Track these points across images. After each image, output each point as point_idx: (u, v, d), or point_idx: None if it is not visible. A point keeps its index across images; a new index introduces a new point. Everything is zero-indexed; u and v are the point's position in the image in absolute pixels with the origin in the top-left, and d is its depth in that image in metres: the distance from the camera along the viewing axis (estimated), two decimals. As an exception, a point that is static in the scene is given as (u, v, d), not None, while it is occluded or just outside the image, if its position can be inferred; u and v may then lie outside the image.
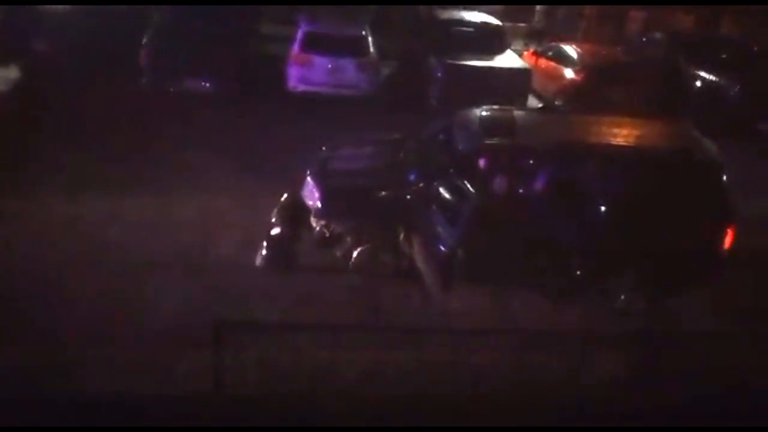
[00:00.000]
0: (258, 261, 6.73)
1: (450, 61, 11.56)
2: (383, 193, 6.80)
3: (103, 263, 6.56)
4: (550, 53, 13.41)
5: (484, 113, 7.20)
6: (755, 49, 14.32)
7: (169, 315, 5.89)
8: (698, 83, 12.85)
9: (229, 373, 4.81)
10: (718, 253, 6.35)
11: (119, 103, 10.45)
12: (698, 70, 12.89)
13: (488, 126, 6.93)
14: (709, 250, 6.38)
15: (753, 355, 5.52)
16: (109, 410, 4.88)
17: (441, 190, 6.23)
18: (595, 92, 11.58)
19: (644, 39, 15.34)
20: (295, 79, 11.47)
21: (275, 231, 6.81)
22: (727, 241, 6.29)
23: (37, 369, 5.13)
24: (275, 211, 7.06)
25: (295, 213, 7.05)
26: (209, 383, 4.78)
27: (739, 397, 5.29)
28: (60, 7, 11.93)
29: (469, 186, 5.99)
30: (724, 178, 6.32)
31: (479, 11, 14.27)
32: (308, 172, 7.26)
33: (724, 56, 13.48)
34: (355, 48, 11.51)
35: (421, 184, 6.50)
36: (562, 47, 13.25)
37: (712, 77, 12.69)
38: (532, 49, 14.71)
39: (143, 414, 4.86)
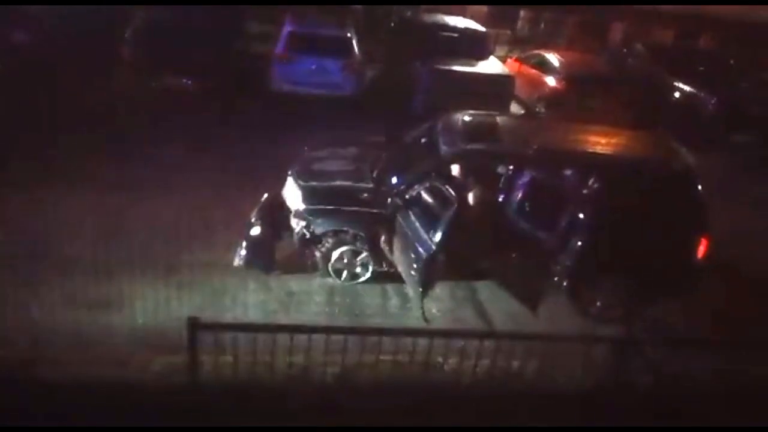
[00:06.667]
0: (236, 261, 6.68)
1: (434, 66, 11.61)
2: (365, 195, 6.81)
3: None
4: (532, 61, 13.55)
5: (466, 118, 7.25)
6: (732, 62, 14.66)
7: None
8: (676, 94, 13.10)
9: (204, 373, 4.78)
10: (692, 262, 6.46)
11: (98, 98, 10.31)
12: (677, 82, 13.14)
13: (470, 131, 6.98)
14: (684, 259, 6.48)
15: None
16: (86, 406, 4.82)
17: (423, 193, 6.25)
18: (576, 100, 11.75)
19: (625, 50, 15.62)
20: (278, 78, 11.43)
21: (255, 231, 6.76)
22: (702, 252, 6.40)
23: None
24: (255, 210, 7.02)
25: (276, 213, 7.01)
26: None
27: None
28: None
29: (450, 190, 6.02)
30: (700, 188, 6.43)
31: (464, 17, 14.37)
32: (290, 173, 7.24)
33: (702, 68, 13.75)
34: (340, 49, 11.50)
35: (403, 187, 6.51)
36: (544, 55, 13.40)
37: (690, 89, 12.93)
38: (515, 56, 14.85)
39: (119, 411, 4.81)
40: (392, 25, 15.16)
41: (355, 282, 6.86)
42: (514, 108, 12.57)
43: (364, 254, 6.75)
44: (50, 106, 9.85)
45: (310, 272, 6.89)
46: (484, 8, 18.16)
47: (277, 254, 6.79)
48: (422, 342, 5.02)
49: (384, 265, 6.80)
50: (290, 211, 6.92)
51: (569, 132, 7.47)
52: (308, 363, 4.98)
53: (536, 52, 14.02)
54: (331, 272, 6.80)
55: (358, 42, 11.89)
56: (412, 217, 6.24)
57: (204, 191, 8.06)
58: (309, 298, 6.63)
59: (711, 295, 6.80)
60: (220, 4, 12.16)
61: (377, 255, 6.76)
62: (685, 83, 13.03)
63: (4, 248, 6.50)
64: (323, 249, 6.74)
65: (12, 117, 9.24)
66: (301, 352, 4.90)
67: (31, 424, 4.66)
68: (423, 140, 7.20)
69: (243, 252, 6.65)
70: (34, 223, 6.99)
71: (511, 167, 6.68)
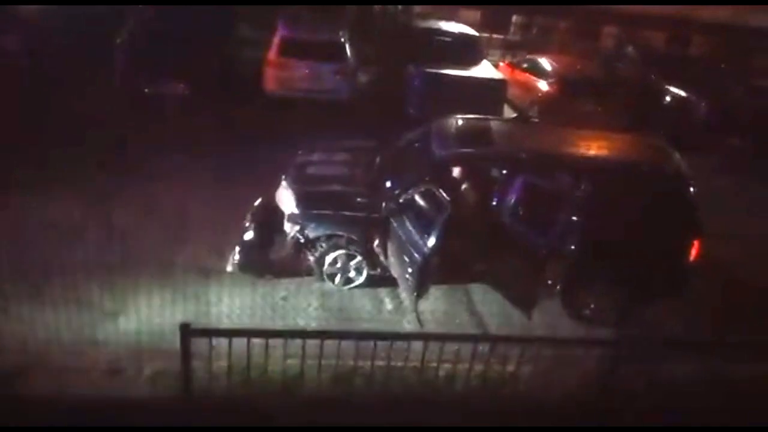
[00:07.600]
0: (230, 266, 6.65)
1: (428, 70, 11.63)
2: (358, 199, 6.80)
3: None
4: (525, 65, 13.60)
5: (460, 122, 7.27)
6: (723, 66, 14.76)
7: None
8: (668, 98, 13.17)
9: (197, 378, 4.76)
10: (683, 265, 6.48)
11: (90, 104, 10.25)
12: (668, 86, 13.22)
13: (464, 135, 7.00)
14: (675, 262, 6.51)
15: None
16: (76, 412, 4.78)
17: (416, 197, 6.25)
18: (568, 104, 11.80)
19: (617, 54, 15.71)
20: (272, 83, 11.41)
21: (248, 235, 6.74)
22: (693, 254, 6.43)
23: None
24: (249, 215, 7.00)
25: (269, 218, 7.00)
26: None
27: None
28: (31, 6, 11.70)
29: (444, 194, 6.02)
30: (692, 191, 6.47)
31: (457, 22, 14.41)
32: (283, 177, 7.22)
33: (694, 72, 13.84)
34: (333, 53, 11.49)
35: (397, 191, 6.51)
36: (536, 60, 13.45)
37: (681, 93, 13.01)
38: (507, 61, 14.90)
39: (111, 417, 4.78)
40: (385, 29, 15.18)
41: (349, 286, 6.85)
42: (507, 112, 12.60)
43: (358, 258, 6.75)
44: (40, 112, 9.81)
45: (304, 276, 6.87)
46: (477, 13, 18.20)
47: (271, 258, 6.77)
48: (417, 346, 5.03)
49: (378, 269, 6.80)
50: (284, 215, 6.91)
51: (562, 136, 7.50)
52: (302, 367, 4.96)
53: (529, 56, 14.08)
54: (325, 276, 6.79)
55: (352, 46, 11.90)
56: (406, 221, 6.24)
57: (198, 194, 8.02)
58: (303, 303, 6.60)
59: (699, 296, 6.83)
60: (215, 4, 12.14)
61: (371, 259, 6.75)
62: (677, 87, 13.11)
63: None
64: (317, 253, 6.72)
65: (4, 123, 9.20)
66: (295, 357, 4.89)
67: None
68: (416, 144, 7.21)
69: (236, 256, 6.63)
70: (26, 228, 6.94)
71: (505, 171, 6.69)
